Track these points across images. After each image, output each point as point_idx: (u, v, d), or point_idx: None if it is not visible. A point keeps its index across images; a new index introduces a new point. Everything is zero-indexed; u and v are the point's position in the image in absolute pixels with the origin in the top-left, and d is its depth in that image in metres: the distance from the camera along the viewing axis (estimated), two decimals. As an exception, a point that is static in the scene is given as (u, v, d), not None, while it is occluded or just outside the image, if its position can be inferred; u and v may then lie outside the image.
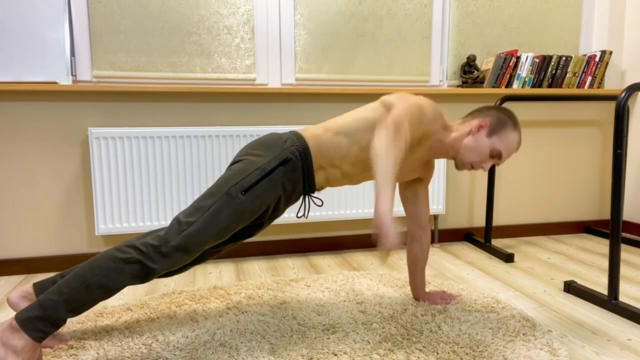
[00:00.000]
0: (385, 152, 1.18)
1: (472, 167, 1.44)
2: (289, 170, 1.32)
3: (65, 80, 1.97)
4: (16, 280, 1.97)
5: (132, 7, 2.08)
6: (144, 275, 1.18)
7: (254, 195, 1.26)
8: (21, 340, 1.12)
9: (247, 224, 1.34)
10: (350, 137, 1.35)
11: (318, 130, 1.38)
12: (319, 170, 1.38)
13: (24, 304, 1.33)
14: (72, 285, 1.16)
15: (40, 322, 1.14)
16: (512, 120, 1.41)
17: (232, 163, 1.36)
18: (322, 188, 1.44)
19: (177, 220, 1.22)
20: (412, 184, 1.57)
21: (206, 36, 2.17)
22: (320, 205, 1.51)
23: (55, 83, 1.92)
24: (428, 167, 1.56)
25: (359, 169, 1.39)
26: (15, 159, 2.00)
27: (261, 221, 1.38)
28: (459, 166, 1.46)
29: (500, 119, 1.40)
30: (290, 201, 1.38)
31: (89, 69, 2.08)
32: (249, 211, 1.26)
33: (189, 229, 1.20)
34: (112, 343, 1.35)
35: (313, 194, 1.44)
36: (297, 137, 1.36)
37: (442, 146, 1.44)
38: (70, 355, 1.28)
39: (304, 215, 1.45)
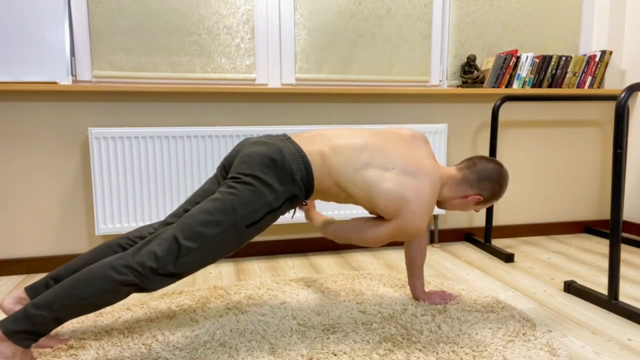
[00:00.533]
0: (356, 238, 1.43)
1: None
2: (292, 203, 1.35)
3: (65, 80, 1.97)
4: (16, 280, 1.97)
5: (132, 7, 2.08)
6: (137, 291, 1.19)
7: (257, 229, 1.28)
8: (10, 347, 1.11)
9: None
10: (348, 193, 1.38)
11: (324, 168, 1.35)
12: (315, 195, 1.43)
13: (16, 309, 1.32)
14: (64, 303, 1.13)
15: (30, 334, 1.13)
16: (501, 190, 1.48)
17: (237, 180, 1.28)
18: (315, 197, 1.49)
19: (175, 241, 1.19)
20: None
21: (206, 36, 2.17)
22: (305, 205, 1.52)
23: (55, 83, 1.92)
24: None
25: (347, 202, 1.45)
26: (15, 159, 2.00)
27: None
28: (440, 207, 1.56)
29: (493, 193, 1.47)
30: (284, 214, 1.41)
31: (89, 69, 2.08)
32: (248, 240, 1.30)
33: (189, 255, 1.19)
34: (111, 343, 1.35)
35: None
36: (306, 168, 1.32)
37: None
38: (70, 355, 1.28)
39: (291, 215, 1.48)
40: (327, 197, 1.41)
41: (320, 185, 1.36)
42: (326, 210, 2.21)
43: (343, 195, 1.39)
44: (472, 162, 1.48)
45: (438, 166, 1.46)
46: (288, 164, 1.30)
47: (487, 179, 1.45)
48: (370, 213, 1.51)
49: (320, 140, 1.39)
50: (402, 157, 1.38)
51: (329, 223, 1.53)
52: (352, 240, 1.44)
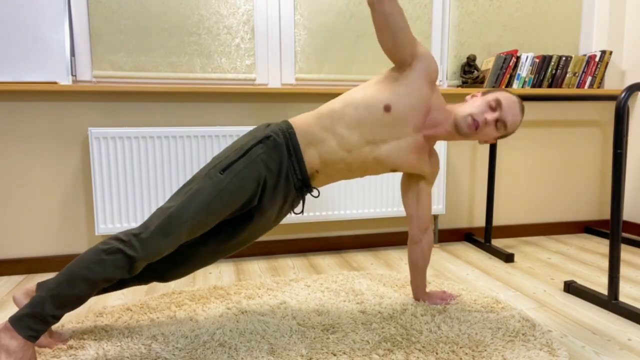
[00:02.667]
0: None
1: (475, 123, 1.38)
2: (270, 148, 1.29)
3: (65, 80, 1.97)
4: (17, 280, 1.97)
5: (132, 7, 2.08)
6: (126, 265, 1.17)
7: (232, 174, 1.24)
8: (13, 339, 1.13)
9: (234, 214, 1.31)
10: (340, 102, 1.37)
11: (306, 116, 1.39)
12: (309, 148, 1.34)
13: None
14: (57, 280, 1.17)
15: (29, 319, 1.14)
16: (516, 98, 1.43)
17: None
18: (316, 172, 1.37)
19: (159, 209, 1.24)
20: (415, 186, 1.55)
21: (206, 36, 2.17)
22: (317, 196, 1.45)
23: (55, 83, 1.92)
24: (428, 159, 1.49)
25: (356, 136, 1.34)
26: (15, 159, 2.00)
27: (249, 209, 1.32)
28: (462, 130, 1.40)
29: (492, 88, 1.48)
30: (278, 189, 1.32)
31: (89, 69, 2.08)
32: (229, 192, 1.23)
33: (169, 210, 1.21)
34: (111, 343, 1.35)
35: (309, 189, 1.38)
36: (284, 122, 1.38)
37: (440, 117, 1.42)
38: (70, 355, 1.28)
39: (301, 212, 1.43)
40: (323, 138, 1.34)
41: (304, 123, 1.35)
42: (326, 210, 2.21)
43: (338, 108, 1.35)
44: None
45: None
46: (262, 125, 1.38)
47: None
48: (392, 170, 1.45)
49: None
50: None
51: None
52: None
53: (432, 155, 1.53)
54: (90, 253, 1.19)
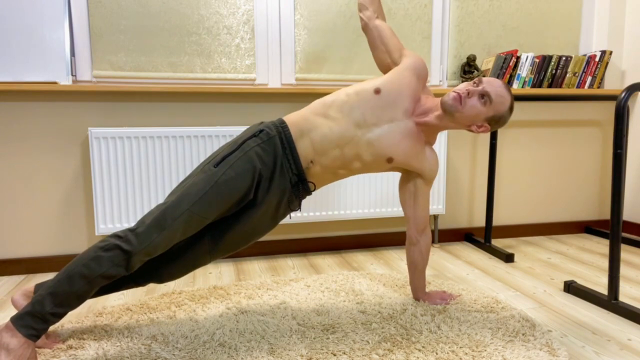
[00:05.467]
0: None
1: (457, 95, 1.39)
2: (263, 141, 1.32)
3: (65, 80, 1.97)
4: (16, 280, 1.97)
5: (132, 7, 2.08)
6: (123, 261, 1.17)
7: (227, 166, 1.26)
8: (14, 338, 1.13)
9: (230, 210, 1.31)
10: (334, 96, 1.42)
11: (301, 111, 1.44)
12: (302, 138, 1.36)
13: (25, 304, 1.34)
14: (56, 278, 1.18)
15: (29, 317, 1.15)
16: (507, 87, 1.46)
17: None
18: (311, 162, 1.37)
19: (155, 206, 1.28)
20: (412, 186, 1.54)
21: (206, 36, 2.17)
22: (313, 190, 1.45)
23: (55, 83, 1.92)
24: (424, 153, 1.48)
25: (348, 118, 1.37)
26: (15, 159, 2.00)
27: (245, 206, 1.33)
28: (447, 105, 1.39)
29: (492, 82, 1.45)
30: (274, 183, 1.32)
31: (89, 69, 2.08)
32: (223, 183, 1.24)
33: (164, 205, 1.23)
34: (111, 343, 1.35)
35: (305, 185, 1.38)
36: (278, 120, 1.42)
37: (429, 104, 1.47)
38: (70, 355, 1.28)
39: (298, 208, 1.45)
40: (316, 126, 1.37)
41: (297, 117, 1.39)
42: (326, 210, 2.21)
43: (335, 108, 1.40)
44: None
45: None
46: (256, 124, 1.42)
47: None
48: (388, 160, 1.44)
49: None
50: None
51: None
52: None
53: (430, 153, 1.52)
54: (88, 251, 1.21)
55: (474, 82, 1.42)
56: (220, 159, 1.28)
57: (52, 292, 1.16)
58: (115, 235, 1.21)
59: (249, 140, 1.32)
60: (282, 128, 1.36)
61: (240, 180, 1.26)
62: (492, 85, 1.40)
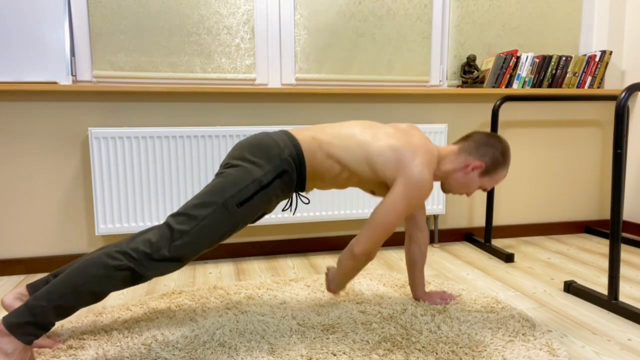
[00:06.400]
0: (351, 269, 1.41)
1: (466, 194, 1.52)
2: (285, 183, 1.33)
3: (65, 80, 1.97)
4: (16, 280, 1.97)
5: (132, 7, 2.08)
6: (133, 280, 1.18)
7: (249, 208, 1.27)
8: (11, 343, 1.11)
9: None
10: (343, 166, 1.37)
11: (314, 142, 1.36)
12: (311, 180, 1.40)
13: (17, 305, 1.32)
14: (61, 292, 1.14)
15: (30, 327, 1.13)
16: (505, 158, 1.45)
17: (227, 165, 1.33)
18: (310, 190, 1.47)
19: (168, 227, 1.21)
20: None
21: (206, 36, 2.17)
22: (307, 203, 1.51)
23: (55, 83, 1.92)
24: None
25: (347, 185, 1.44)
26: (15, 159, 2.00)
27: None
28: (445, 191, 1.52)
29: (496, 160, 1.44)
30: (279, 200, 1.39)
31: (89, 69, 2.08)
32: (242, 222, 1.28)
33: (182, 238, 1.20)
34: (111, 343, 1.35)
35: (301, 193, 1.46)
36: (294, 145, 1.35)
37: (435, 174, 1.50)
38: (70, 355, 1.28)
39: (290, 210, 1.46)
40: (324, 178, 1.39)
41: (312, 160, 1.36)
42: (326, 210, 2.21)
43: (337, 169, 1.37)
44: (468, 135, 1.50)
45: (434, 145, 1.48)
46: (275, 142, 1.34)
47: (485, 144, 1.44)
48: (371, 192, 1.50)
49: (312, 128, 1.44)
50: (393, 133, 1.41)
51: (337, 284, 1.54)
52: (354, 269, 1.42)
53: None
54: (97, 267, 1.16)
55: (485, 188, 1.49)
56: (244, 199, 1.26)
57: (57, 306, 1.14)
58: (129, 255, 1.16)
59: (274, 182, 1.30)
60: (300, 169, 1.36)
61: (256, 214, 1.32)
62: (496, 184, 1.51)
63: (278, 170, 1.30)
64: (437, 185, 2.34)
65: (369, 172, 1.36)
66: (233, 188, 1.26)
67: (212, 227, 1.23)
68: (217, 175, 1.32)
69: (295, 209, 1.49)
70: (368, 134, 1.39)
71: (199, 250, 1.23)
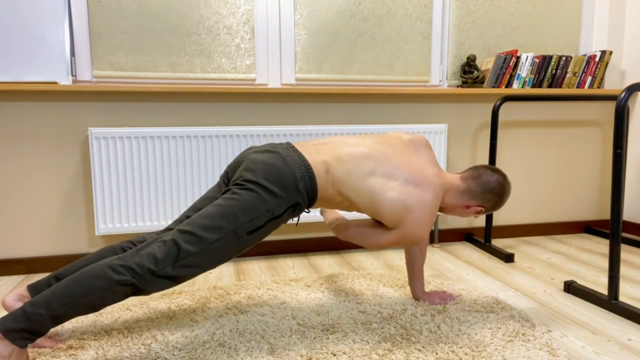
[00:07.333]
0: (356, 242, 1.47)
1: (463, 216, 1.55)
2: (294, 211, 1.35)
3: (65, 80, 1.97)
4: (16, 280, 1.97)
5: (132, 7, 2.08)
6: (134, 293, 1.19)
7: (258, 235, 1.28)
8: (7, 347, 1.11)
9: None
10: (351, 203, 1.38)
11: (328, 178, 1.35)
12: (318, 204, 1.43)
13: (18, 306, 1.32)
14: (61, 302, 1.13)
15: (27, 333, 1.13)
16: (503, 201, 1.47)
17: (240, 185, 1.28)
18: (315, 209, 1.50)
19: (175, 244, 1.19)
20: None
21: (206, 36, 2.17)
22: (308, 212, 1.52)
23: (55, 83, 1.92)
24: None
25: (351, 210, 1.46)
26: (15, 159, 2.00)
27: None
28: (450, 214, 1.55)
29: (495, 204, 1.46)
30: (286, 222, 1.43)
31: (89, 69, 2.08)
32: (248, 246, 1.29)
33: (187, 259, 1.19)
34: (111, 343, 1.35)
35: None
36: (309, 176, 1.33)
37: None
38: (70, 355, 1.28)
39: (295, 222, 1.48)
40: (331, 205, 1.42)
41: (324, 194, 1.37)
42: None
43: (346, 204, 1.40)
44: (477, 172, 1.46)
45: (441, 173, 1.46)
46: (292, 172, 1.30)
47: (490, 191, 1.44)
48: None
49: (324, 149, 1.39)
50: (406, 166, 1.37)
51: (337, 219, 1.57)
52: (355, 240, 1.48)
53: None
54: (100, 280, 1.15)
55: (482, 213, 1.51)
56: (255, 228, 1.26)
57: (56, 315, 1.13)
58: (132, 270, 1.16)
59: (286, 213, 1.31)
60: (311, 200, 1.36)
61: (262, 238, 1.33)
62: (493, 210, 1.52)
63: (292, 202, 1.31)
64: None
65: (375, 214, 1.38)
66: (245, 216, 1.24)
67: (220, 252, 1.23)
68: (229, 192, 1.28)
69: (299, 220, 1.51)
70: (383, 174, 1.36)
71: (202, 271, 1.24)
